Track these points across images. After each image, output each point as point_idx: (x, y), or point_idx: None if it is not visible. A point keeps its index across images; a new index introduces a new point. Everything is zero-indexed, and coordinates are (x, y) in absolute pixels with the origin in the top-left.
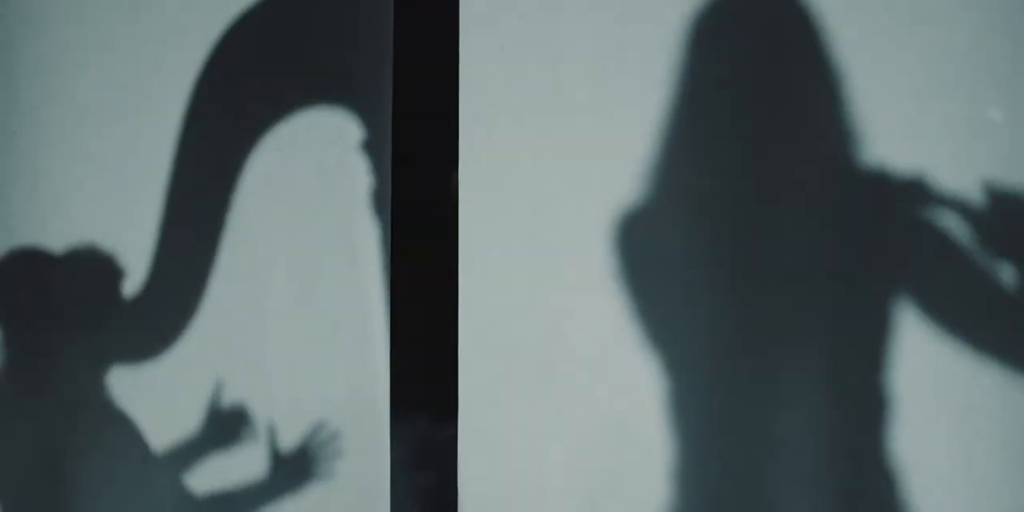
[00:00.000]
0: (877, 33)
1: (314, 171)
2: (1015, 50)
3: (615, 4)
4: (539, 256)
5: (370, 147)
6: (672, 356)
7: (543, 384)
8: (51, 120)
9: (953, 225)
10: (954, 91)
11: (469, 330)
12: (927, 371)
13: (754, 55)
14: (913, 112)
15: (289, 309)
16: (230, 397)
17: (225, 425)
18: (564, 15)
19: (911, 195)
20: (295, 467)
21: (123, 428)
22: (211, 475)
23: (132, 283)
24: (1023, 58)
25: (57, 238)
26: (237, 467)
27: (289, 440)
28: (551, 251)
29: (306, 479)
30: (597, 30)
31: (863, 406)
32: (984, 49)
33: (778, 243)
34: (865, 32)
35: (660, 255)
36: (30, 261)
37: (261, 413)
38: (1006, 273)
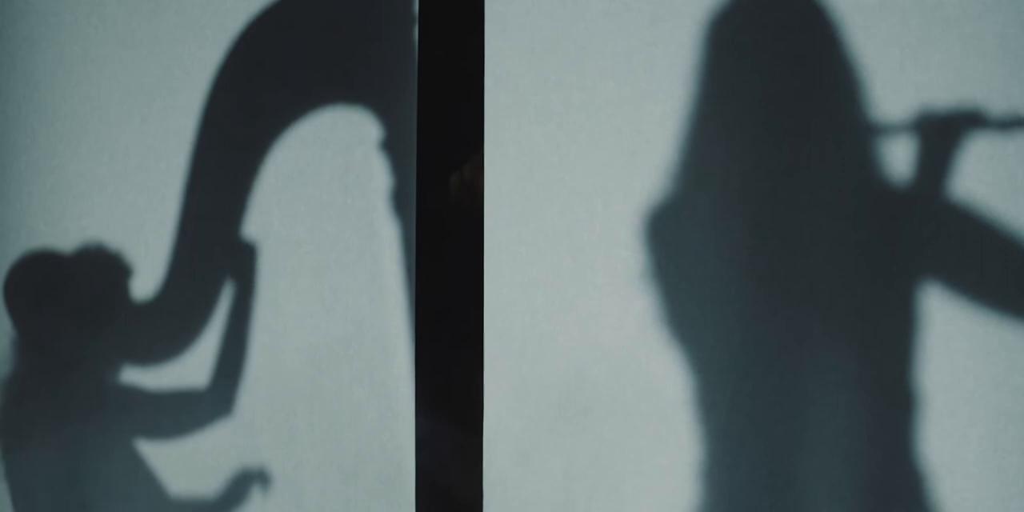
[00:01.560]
0: (906, 32)
1: (339, 170)
2: None
3: (643, 3)
4: (565, 255)
5: (395, 146)
6: (699, 356)
7: (570, 384)
8: (71, 118)
9: (984, 225)
10: (983, 91)
11: (494, 330)
12: (957, 371)
13: (782, 54)
14: (941, 111)
15: (311, 308)
16: (251, 397)
17: (245, 425)
18: (591, 13)
19: (941, 195)
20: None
21: (141, 427)
22: (228, 475)
23: (153, 281)
24: None
25: (77, 236)
26: (256, 467)
27: (310, 442)
28: (577, 250)
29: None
30: (624, 29)
31: (892, 407)
32: (1014, 49)
33: (806, 242)
34: (894, 32)
35: (687, 254)
36: (50, 259)
37: (282, 413)
38: None
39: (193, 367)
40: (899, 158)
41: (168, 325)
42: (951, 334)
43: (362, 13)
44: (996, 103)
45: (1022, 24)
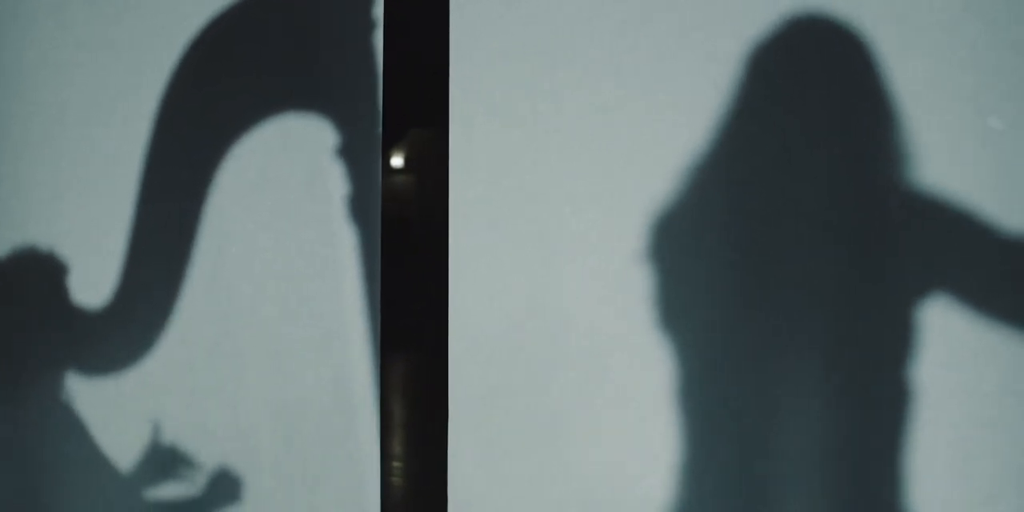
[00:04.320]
0: (878, 41)
1: (305, 176)
2: (1016, 58)
3: (613, 11)
4: (533, 262)
5: (360, 152)
6: (671, 362)
7: (538, 390)
8: (31, 123)
9: (956, 234)
10: (955, 100)
11: (460, 336)
12: (927, 378)
13: (752, 61)
14: (914, 120)
15: (277, 315)
16: (213, 405)
17: (208, 432)
18: (560, 20)
19: (913, 203)
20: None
21: (101, 439)
22: (191, 482)
23: (112, 288)
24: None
25: (37, 243)
26: (219, 473)
27: (274, 449)
28: (545, 257)
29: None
30: (594, 36)
31: (864, 412)
32: (984, 57)
33: (785, 249)
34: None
35: (662, 260)
36: (7, 265)
37: (245, 421)
38: (1006, 282)
39: (151, 374)
40: (886, 160)
41: (130, 332)
42: (923, 342)
43: (326, 17)
44: (965, 113)
45: (991, 36)
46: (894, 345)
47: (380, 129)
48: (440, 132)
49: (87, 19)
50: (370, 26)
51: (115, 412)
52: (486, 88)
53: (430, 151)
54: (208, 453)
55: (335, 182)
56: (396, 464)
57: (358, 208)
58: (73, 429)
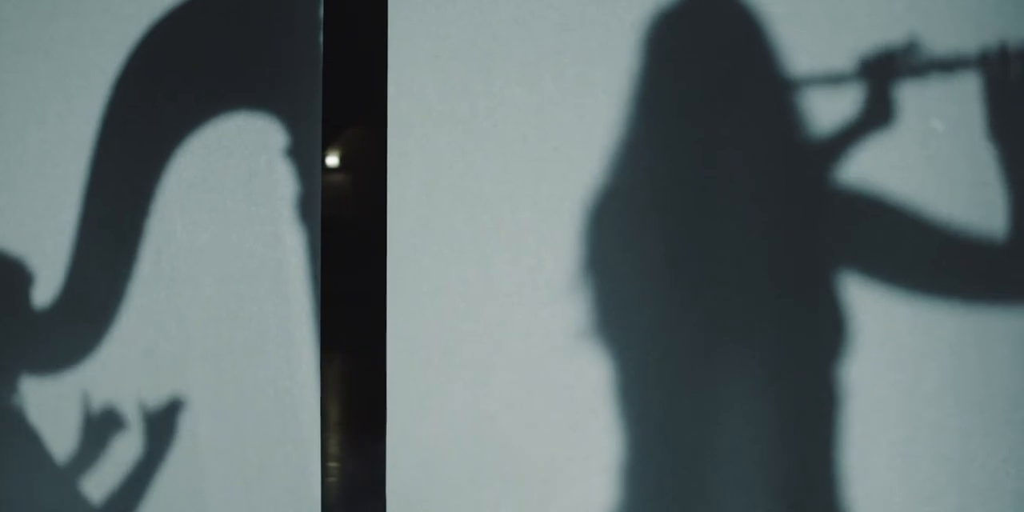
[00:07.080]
0: (818, 41)
1: (243, 177)
2: (957, 63)
3: (551, 12)
4: (470, 263)
5: (300, 153)
6: (609, 363)
7: (475, 392)
8: None
9: (897, 233)
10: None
11: (398, 338)
12: (868, 378)
13: (693, 59)
14: (859, 120)
15: (215, 316)
16: (152, 406)
17: (146, 434)
18: (498, 21)
19: (855, 201)
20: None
21: (42, 439)
22: (130, 484)
23: (52, 289)
24: (962, 70)
25: None
26: (158, 475)
27: (215, 449)
28: (483, 258)
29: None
30: (531, 37)
31: (804, 413)
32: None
33: (719, 250)
34: (806, 40)
35: (597, 261)
36: None
37: (185, 423)
38: (946, 281)
39: (92, 375)
40: (816, 157)
41: (67, 332)
42: (862, 342)
43: (268, 19)
44: (912, 115)
45: (935, 40)
46: (830, 345)
47: (320, 129)
48: (378, 132)
49: (21, 20)
50: (318, 26)
51: (55, 412)
52: (424, 88)
53: (368, 151)
54: (146, 454)
55: (276, 182)
56: (335, 464)
57: (298, 208)
58: (17, 428)
